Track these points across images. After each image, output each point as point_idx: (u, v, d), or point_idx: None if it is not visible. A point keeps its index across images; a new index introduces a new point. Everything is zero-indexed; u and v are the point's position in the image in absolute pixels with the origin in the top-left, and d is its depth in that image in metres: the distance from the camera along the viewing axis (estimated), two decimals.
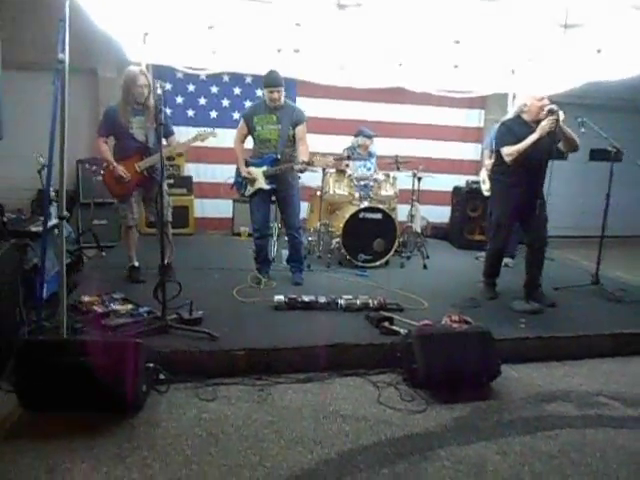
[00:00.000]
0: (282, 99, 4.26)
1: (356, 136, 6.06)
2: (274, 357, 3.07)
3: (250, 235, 6.29)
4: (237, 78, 6.65)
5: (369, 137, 6.01)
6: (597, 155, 6.84)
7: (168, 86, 6.43)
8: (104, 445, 2.29)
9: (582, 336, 3.58)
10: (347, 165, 5.48)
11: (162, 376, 2.79)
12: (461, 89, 6.34)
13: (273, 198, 4.52)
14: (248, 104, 6.76)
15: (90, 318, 3.24)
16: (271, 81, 4.22)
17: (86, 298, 3.53)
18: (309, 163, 4.22)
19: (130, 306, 3.49)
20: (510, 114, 4.27)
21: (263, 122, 4.31)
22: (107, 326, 3.15)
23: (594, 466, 2.33)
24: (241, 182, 4.45)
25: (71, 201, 5.49)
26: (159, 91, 3.25)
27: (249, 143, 4.53)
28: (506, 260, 4.97)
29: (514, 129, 3.98)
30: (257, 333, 3.29)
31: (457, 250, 6.56)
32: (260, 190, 4.36)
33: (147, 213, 4.32)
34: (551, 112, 3.76)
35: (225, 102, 6.78)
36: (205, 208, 6.81)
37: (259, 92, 6.79)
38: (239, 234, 6.52)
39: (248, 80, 6.75)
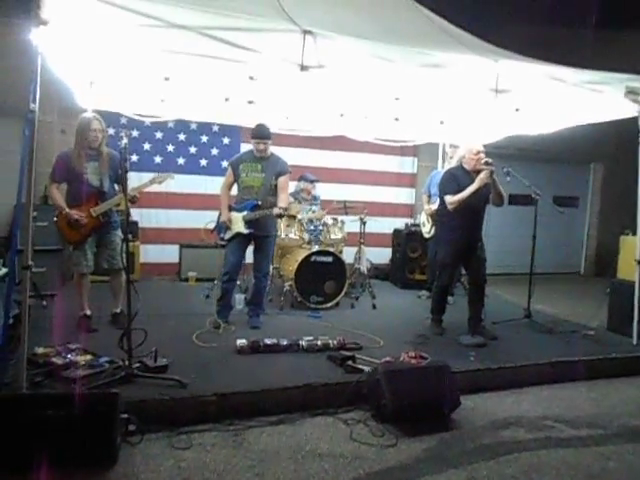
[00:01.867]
0: (268, 151, 4.52)
1: (299, 180, 6.32)
2: (244, 401, 3.11)
3: (198, 280, 6.34)
4: (182, 124, 6.75)
5: (310, 182, 6.28)
6: (517, 200, 7.64)
7: (135, 133, 6.44)
8: None
9: (525, 366, 3.92)
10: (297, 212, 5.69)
11: (132, 427, 2.74)
12: (398, 139, 6.84)
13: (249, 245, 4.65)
14: (193, 150, 6.93)
15: (50, 371, 3.11)
16: (259, 133, 4.49)
17: (40, 350, 3.39)
18: (286, 209, 4.40)
19: (89, 357, 3.39)
20: (453, 163, 4.71)
21: (248, 169, 4.52)
22: (69, 378, 3.04)
23: None
24: (222, 226, 4.60)
25: (6, 247, 5.24)
26: (125, 140, 3.30)
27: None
28: (448, 298, 5.30)
29: (458, 177, 4.39)
30: (224, 378, 3.31)
31: (399, 289, 6.89)
32: (238, 234, 4.49)
33: (100, 260, 4.23)
34: (487, 164, 4.22)
35: (170, 147, 6.83)
36: (150, 254, 6.73)
37: (204, 138, 6.97)
38: (187, 279, 6.47)
39: (193, 127, 6.87)
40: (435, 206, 5.86)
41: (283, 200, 4.49)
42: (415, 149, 7.82)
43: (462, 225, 4.37)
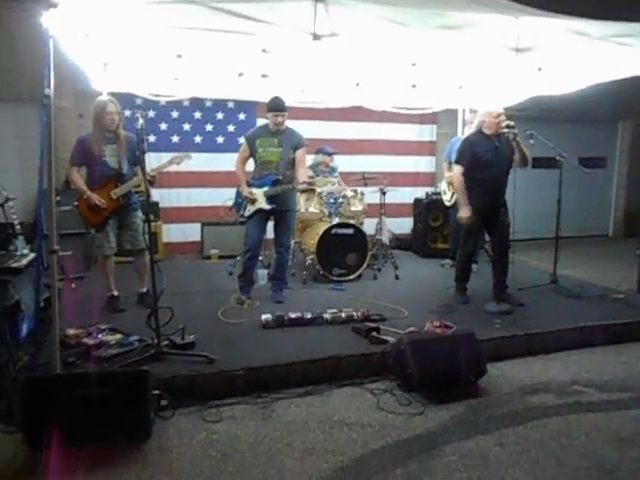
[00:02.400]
0: (284, 124, 4.46)
1: (316, 154, 6.27)
2: (272, 374, 3.16)
3: (221, 258, 6.41)
4: (197, 102, 6.72)
5: (328, 154, 6.23)
6: (541, 163, 7.44)
7: (151, 114, 6.45)
8: (122, 476, 2.31)
9: (552, 331, 3.88)
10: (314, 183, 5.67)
11: (164, 402, 2.82)
12: (416, 106, 6.69)
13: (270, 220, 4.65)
14: (209, 127, 6.91)
15: (82, 351, 3.21)
16: (276, 106, 4.41)
17: (71, 331, 3.49)
18: (310, 183, 4.38)
19: (119, 336, 3.48)
20: (473, 128, 4.61)
21: (265, 145, 4.47)
22: (101, 358, 3.13)
23: (583, 448, 2.57)
24: (241, 203, 4.61)
25: (33, 233, 5.37)
26: (141, 121, 3.30)
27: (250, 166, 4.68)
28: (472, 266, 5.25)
29: (476, 143, 4.30)
30: (251, 353, 3.37)
31: (422, 259, 6.85)
32: (259, 210, 4.49)
33: (122, 241, 4.30)
34: (508, 127, 4.11)
35: (186, 126, 6.83)
36: (173, 233, 6.80)
37: (219, 115, 6.93)
38: (209, 257, 6.54)
39: (208, 104, 6.84)
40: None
41: (303, 174, 4.47)
42: (434, 116, 7.64)
43: (485, 190, 4.30)
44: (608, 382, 3.32)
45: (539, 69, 4.78)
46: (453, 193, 5.91)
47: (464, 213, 4.30)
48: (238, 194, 4.72)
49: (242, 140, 4.90)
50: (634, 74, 4.77)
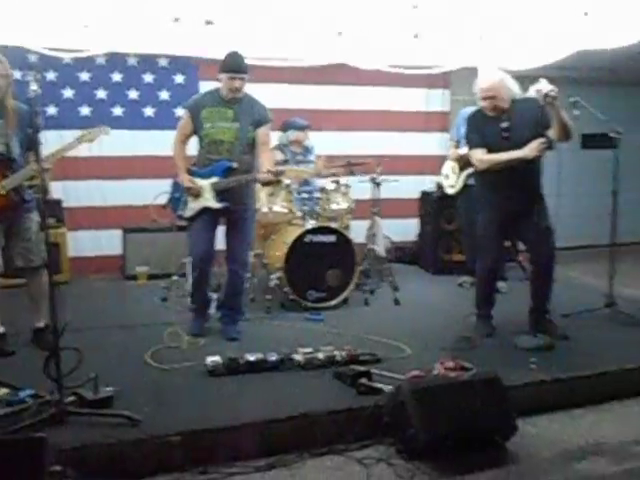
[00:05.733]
0: (242, 91, 4.47)
1: (285, 131, 6.31)
2: (221, 441, 3.16)
3: (151, 277, 6.40)
4: (117, 60, 6.73)
5: (302, 129, 6.27)
6: (593, 142, 7.60)
7: (51, 76, 6.43)
8: None
9: (606, 373, 3.97)
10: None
11: None
12: (421, 64, 6.81)
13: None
14: (133, 95, 6.90)
15: None
16: (235, 66, 4.39)
17: None
18: (278, 173, 4.40)
19: (4, 390, 3.45)
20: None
21: (215, 118, 4.45)
22: None
23: None
24: (179, 198, 4.58)
25: None
26: (34, 86, 3.30)
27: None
28: (499, 285, 5.36)
29: (478, 123, 4.47)
30: (192, 411, 3.36)
31: (432, 276, 6.93)
32: (206, 210, 4.48)
33: (11, 256, 4.26)
34: (547, 96, 4.14)
35: (101, 93, 6.81)
36: (82, 244, 6.78)
37: (148, 77, 6.94)
38: (135, 277, 6.53)
39: (132, 62, 6.84)
40: (465, 150, 5.88)
41: (267, 160, 4.49)
42: (445, 78, 7.78)
43: (506, 181, 4.37)
44: None
45: (585, 13, 4.94)
46: (459, 176, 6.02)
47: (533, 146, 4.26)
48: (176, 186, 4.71)
49: (181, 112, 4.90)
50: None
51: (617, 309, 5.15)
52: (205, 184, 4.48)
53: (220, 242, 4.78)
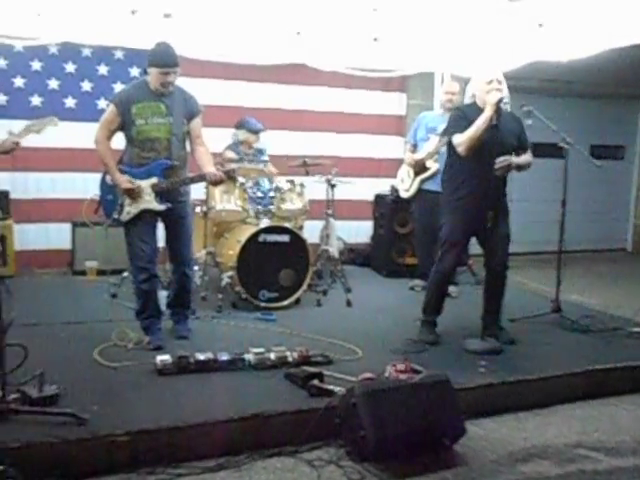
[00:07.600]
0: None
1: (238, 128, 6.27)
2: (169, 440, 3.13)
3: (100, 273, 6.28)
4: (70, 50, 6.60)
5: (254, 132, 6.23)
6: (541, 151, 7.76)
7: (1, 63, 6.27)
8: None
9: (553, 377, 4.07)
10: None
11: None
12: (379, 67, 6.86)
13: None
14: (87, 86, 6.78)
15: None
16: (168, 59, 4.18)
17: None
18: (229, 171, 4.35)
19: None
20: (466, 100, 4.74)
21: (147, 113, 4.24)
22: None
23: None
24: (112, 201, 4.36)
25: None
26: None
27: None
28: (450, 289, 5.42)
29: (468, 114, 4.41)
30: (140, 410, 3.34)
31: (384, 278, 7.00)
32: (146, 212, 4.31)
33: None
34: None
35: (53, 83, 6.68)
36: (29, 237, 6.64)
37: (102, 69, 6.83)
38: (84, 272, 6.44)
39: (86, 53, 6.72)
40: (421, 155, 5.95)
41: (206, 155, 4.39)
42: (403, 82, 7.86)
43: (474, 184, 4.41)
44: (622, 444, 3.51)
45: (540, 25, 5.04)
46: (414, 180, 6.08)
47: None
48: (105, 187, 4.42)
49: (108, 105, 4.51)
50: None
51: (563, 315, 5.25)
52: (145, 184, 4.26)
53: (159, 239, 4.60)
